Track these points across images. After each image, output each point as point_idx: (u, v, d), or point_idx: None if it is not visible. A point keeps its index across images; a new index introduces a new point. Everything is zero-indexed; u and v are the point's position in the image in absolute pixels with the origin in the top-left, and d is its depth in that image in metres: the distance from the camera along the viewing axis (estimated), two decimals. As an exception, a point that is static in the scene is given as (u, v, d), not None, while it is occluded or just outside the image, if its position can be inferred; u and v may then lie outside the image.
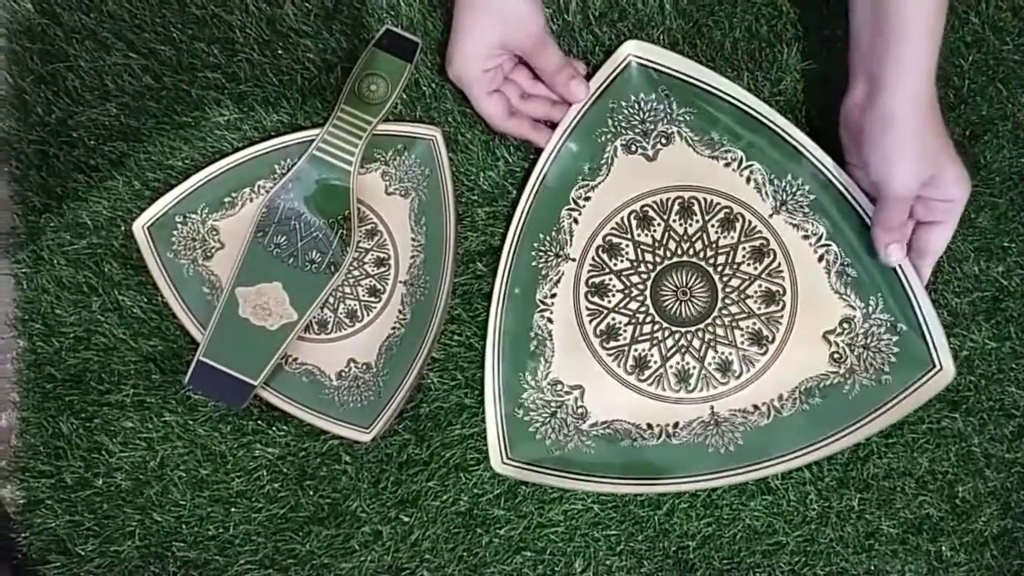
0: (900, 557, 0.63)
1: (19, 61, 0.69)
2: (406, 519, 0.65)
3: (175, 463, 0.66)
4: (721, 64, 0.65)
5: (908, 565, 0.63)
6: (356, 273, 0.66)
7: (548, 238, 0.65)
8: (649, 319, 0.64)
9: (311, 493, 0.65)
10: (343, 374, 0.65)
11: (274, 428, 0.66)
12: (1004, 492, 0.63)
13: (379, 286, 0.66)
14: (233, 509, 0.65)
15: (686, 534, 0.64)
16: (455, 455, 0.64)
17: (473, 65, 0.61)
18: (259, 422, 0.66)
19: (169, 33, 0.67)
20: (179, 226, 0.66)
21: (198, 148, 0.67)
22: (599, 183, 0.65)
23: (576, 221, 0.65)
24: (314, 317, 0.65)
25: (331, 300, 0.66)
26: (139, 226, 0.65)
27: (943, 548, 0.63)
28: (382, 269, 0.66)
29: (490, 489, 0.65)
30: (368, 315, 0.66)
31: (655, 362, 0.64)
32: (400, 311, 0.66)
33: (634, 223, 0.65)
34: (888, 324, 0.61)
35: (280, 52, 0.67)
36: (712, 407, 0.63)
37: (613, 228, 0.65)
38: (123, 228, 0.67)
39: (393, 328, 0.65)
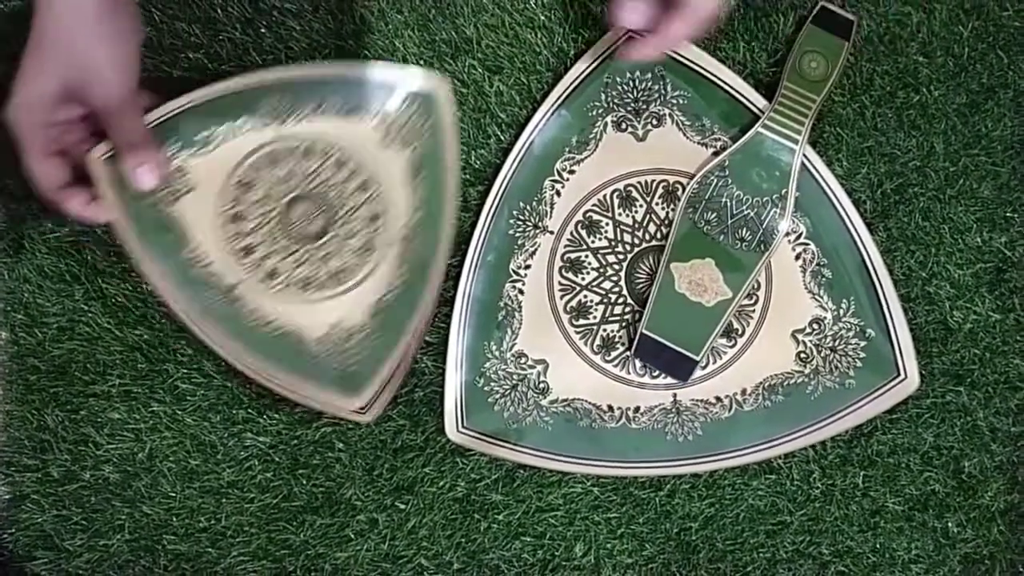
0: (906, 534, 0.62)
1: (-5, 45, 0.67)
2: (402, 506, 0.64)
3: (164, 454, 0.65)
4: (716, 35, 0.64)
5: (914, 542, 0.62)
6: (347, 228, 0.62)
7: (528, 208, 0.64)
8: (621, 300, 0.63)
9: (304, 482, 0.64)
10: (327, 337, 0.61)
11: (265, 416, 0.64)
12: (1010, 466, 0.62)
13: (372, 243, 0.62)
14: (224, 500, 0.64)
15: (688, 515, 0.63)
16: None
17: (31, 115, 0.51)
18: (249, 411, 0.64)
19: (149, 13, 0.66)
20: None
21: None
22: (585, 157, 0.64)
23: (558, 194, 0.64)
24: (300, 274, 0.61)
25: (318, 258, 0.62)
26: (96, 157, 0.57)
27: (949, 524, 0.62)
28: (376, 225, 0.62)
29: (488, 474, 0.63)
30: (360, 274, 0.62)
31: (623, 344, 0.63)
32: (397, 268, 0.62)
33: (616, 202, 0.64)
34: (857, 328, 0.61)
35: (263, 31, 0.65)
36: (675, 395, 0.63)
37: (595, 204, 0.64)
38: (105, 214, 0.66)
39: (389, 287, 0.61)
